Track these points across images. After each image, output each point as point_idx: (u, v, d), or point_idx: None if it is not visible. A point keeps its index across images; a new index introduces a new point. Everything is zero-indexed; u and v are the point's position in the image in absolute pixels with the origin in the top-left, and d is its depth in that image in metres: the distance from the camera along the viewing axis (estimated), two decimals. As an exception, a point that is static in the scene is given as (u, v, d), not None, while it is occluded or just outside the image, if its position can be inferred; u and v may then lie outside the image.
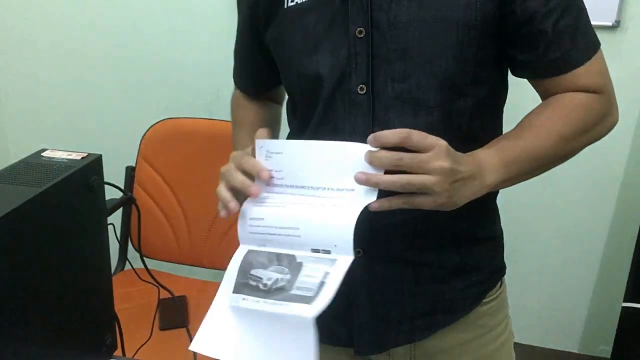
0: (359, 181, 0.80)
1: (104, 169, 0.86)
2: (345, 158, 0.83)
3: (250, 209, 0.89)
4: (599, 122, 0.94)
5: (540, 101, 0.97)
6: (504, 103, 1.02)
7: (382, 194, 0.81)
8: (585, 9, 0.91)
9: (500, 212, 1.09)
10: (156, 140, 2.06)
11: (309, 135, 0.97)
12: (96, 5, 2.32)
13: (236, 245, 0.91)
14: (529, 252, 2.36)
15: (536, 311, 2.44)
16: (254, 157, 0.90)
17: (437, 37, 0.87)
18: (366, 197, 0.81)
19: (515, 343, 1.15)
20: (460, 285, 1.02)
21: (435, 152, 0.78)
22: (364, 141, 0.81)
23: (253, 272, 0.86)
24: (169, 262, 2.11)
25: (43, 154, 0.84)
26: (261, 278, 0.85)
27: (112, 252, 0.93)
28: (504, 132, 0.98)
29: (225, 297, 0.87)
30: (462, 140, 0.87)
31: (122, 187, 2.03)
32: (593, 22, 0.92)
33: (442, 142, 0.79)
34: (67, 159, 0.82)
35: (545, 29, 0.87)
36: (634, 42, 1.99)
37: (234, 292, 0.86)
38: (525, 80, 0.97)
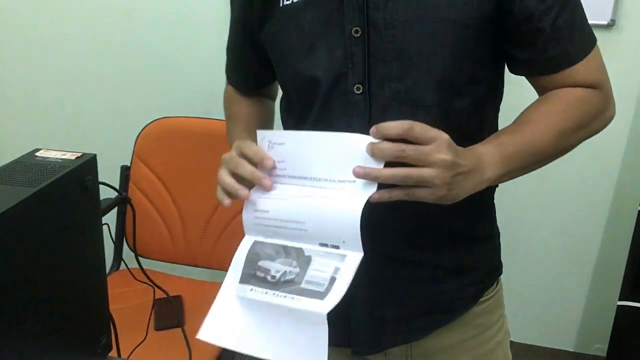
0: (358, 175, 0.80)
1: (99, 169, 0.86)
2: (347, 149, 0.82)
3: (255, 201, 0.88)
4: (597, 116, 0.94)
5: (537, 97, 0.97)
6: (501, 101, 1.02)
7: (383, 185, 0.81)
8: (581, 5, 0.91)
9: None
10: (151, 139, 2.05)
11: None
12: (90, 4, 2.31)
13: (232, 245, 0.91)
14: (525, 251, 2.36)
15: (532, 310, 2.44)
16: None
17: (435, 37, 0.86)
18: (367, 189, 0.81)
19: (510, 342, 1.15)
20: (458, 285, 1.02)
21: (437, 144, 0.78)
22: None
23: (260, 263, 0.86)
24: (165, 261, 2.10)
25: (37, 153, 0.83)
26: (269, 270, 0.85)
27: (107, 252, 0.93)
28: (500, 130, 0.98)
29: (232, 286, 0.87)
30: (459, 139, 0.86)
31: (117, 187, 2.04)
32: (588, 21, 0.93)
33: (445, 135, 0.79)
34: (61, 159, 0.81)
35: (544, 27, 0.87)
36: (629, 41, 1.99)
37: (241, 282, 0.86)
38: (522, 79, 0.97)
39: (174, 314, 1.77)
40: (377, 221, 0.93)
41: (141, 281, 1.16)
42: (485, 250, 1.06)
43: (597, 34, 0.94)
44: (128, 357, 1.14)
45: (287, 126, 1.07)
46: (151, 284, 1.17)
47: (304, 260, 0.83)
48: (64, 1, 2.33)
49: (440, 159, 0.78)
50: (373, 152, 0.79)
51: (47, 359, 0.79)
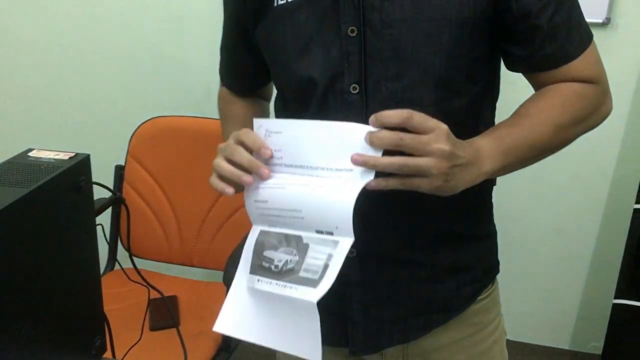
0: (356, 163, 0.80)
1: (93, 169, 0.85)
2: (344, 138, 0.83)
3: (254, 191, 0.88)
4: (594, 111, 0.94)
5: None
6: (497, 99, 1.02)
7: (380, 174, 0.81)
8: (577, 1, 0.91)
9: (491, 209, 1.08)
10: (146, 138, 2.05)
11: None
12: (84, 3, 2.30)
13: (227, 245, 0.91)
14: (520, 249, 2.36)
15: (527, 308, 2.44)
16: None
17: (431, 36, 0.86)
18: (364, 177, 0.81)
19: (506, 340, 1.15)
20: (455, 284, 1.01)
21: (436, 134, 0.78)
22: None
23: (265, 253, 0.87)
24: (159, 261, 2.10)
25: (30, 154, 0.82)
26: (272, 260, 0.86)
27: (101, 252, 0.92)
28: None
29: (243, 277, 0.89)
30: (456, 138, 0.87)
31: (112, 186, 2.04)
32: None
33: (443, 126, 0.79)
34: (54, 159, 0.81)
35: (541, 24, 0.87)
36: (624, 39, 2.00)
37: (250, 272, 0.87)
38: (518, 77, 0.97)
39: (169, 314, 1.77)
40: (374, 222, 0.93)
41: (135, 282, 1.16)
42: (483, 248, 1.06)
43: (593, 32, 0.93)
44: (123, 358, 1.13)
45: None
46: (145, 284, 1.16)
47: (302, 248, 0.84)
48: (57, 0, 2.32)
49: (438, 148, 0.77)
50: (371, 140, 0.79)
51: (40, 361, 0.78)
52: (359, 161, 0.79)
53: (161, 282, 1.91)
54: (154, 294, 1.23)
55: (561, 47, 0.89)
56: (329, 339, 1.04)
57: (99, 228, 0.93)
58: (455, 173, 0.80)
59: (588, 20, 0.92)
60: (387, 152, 0.79)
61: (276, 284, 0.83)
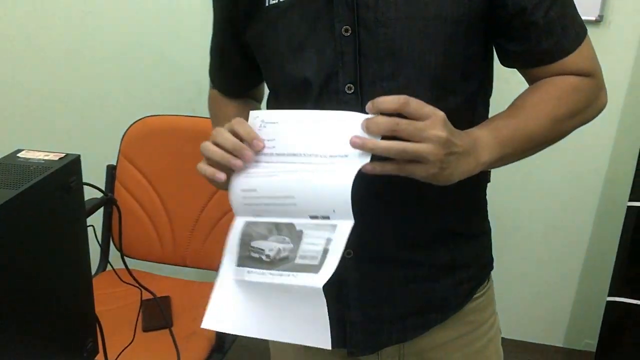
0: (355, 145, 0.79)
1: (84, 168, 0.84)
2: (339, 126, 0.82)
3: (240, 181, 0.86)
4: (590, 104, 0.94)
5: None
6: (490, 96, 1.02)
7: (376, 160, 0.80)
8: None
9: (485, 207, 1.08)
10: (137, 138, 2.04)
11: None
12: (75, 2, 2.29)
13: (219, 245, 0.89)
14: (514, 247, 2.37)
15: (521, 306, 2.45)
16: None
17: (426, 34, 0.86)
18: (360, 160, 0.80)
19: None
20: (451, 283, 1.01)
21: (433, 120, 0.78)
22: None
23: (254, 244, 0.84)
24: (152, 262, 2.08)
25: (19, 154, 0.82)
26: (263, 250, 0.83)
27: (93, 253, 0.91)
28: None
29: (229, 271, 0.86)
30: None
31: (103, 186, 2.02)
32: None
33: (440, 113, 0.79)
34: (44, 160, 0.80)
35: (537, 20, 0.87)
36: (617, 36, 2.01)
37: (237, 265, 0.85)
38: (510, 75, 0.97)
39: (161, 315, 1.76)
40: (370, 222, 0.93)
41: (127, 283, 1.15)
42: (479, 246, 1.06)
43: (586, 29, 0.94)
44: (115, 361, 1.12)
45: None
46: (137, 285, 1.16)
47: (296, 235, 0.82)
48: (51, 0, 2.30)
49: (434, 134, 0.77)
50: (368, 125, 0.79)
51: (31, 364, 0.78)
52: (358, 143, 0.79)
53: (154, 283, 1.89)
54: (147, 295, 1.22)
55: (557, 42, 0.89)
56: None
57: (90, 229, 0.92)
58: (451, 161, 0.80)
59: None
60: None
61: (270, 273, 0.81)
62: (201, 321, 0.86)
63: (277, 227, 0.84)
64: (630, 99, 2.08)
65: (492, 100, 1.01)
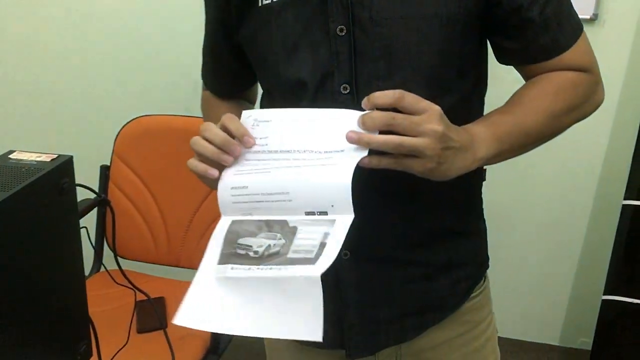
0: (351, 140, 0.79)
1: (77, 169, 0.83)
2: (335, 122, 0.81)
3: (230, 178, 0.84)
4: (587, 99, 0.94)
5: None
6: (485, 93, 1.02)
7: (373, 154, 0.80)
8: None
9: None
10: (131, 138, 2.03)
11: None
12: (68, 1, 2.27)
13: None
14: (509, 246, 2.37)
15: (516, 305, 2.45)
16: None
17: (422, 33, 0.85)
18: (357, 154, 0.79)
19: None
20: (449, 282, 1.01)
21: (429, 115, 0.78)
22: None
23: (241, 241, 0.82)
24: (147, 262, 2.07)
25: (10, 155, 0.80)
26: (250, 246, 0.81)
27: (88, 253, 0.90)
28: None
29: (209, 269, 0.82)
30: None
31: (97, 187, 2.01)
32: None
33: (436, 107, 0.79)
34: (36, 161, 0.79)
35: (533, 17, 0.87)
36: (611, 35, 2.01)
37: (219, 263, 0.81)
38: (505, 73, 0.97)
39: (156, 316, 1.75)
40: (367, 223, 0.92)
41: (121, 284, 1.14)
42: (475, 245, 1.06)
43: (580, 28, 0.93)
44: (109, 363, 1.12)
45: None
46: (131, 286, 1.15)
47: (289, 231, 0.80)
48: (39, 1, 2.29)
49: (430, 129, 0.77)
50: (364, 120, 0.79)
51: (24, 368, 0.77)
52: (354, 138, 0.78)
53: (148, 284, 1.88)
54: (141, 296, 1.22)
55: (553, 38, 0.89)
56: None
57: (83, 230, 0.91)
58: (448, 156, 0.80)
59: (575, 16, 0.92)
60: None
61: (257, 268, 0.78)
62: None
63: (268, 224, 0.82)
64: (624, 97, 2.08)
65: (486, 98, 1.01)
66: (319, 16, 0.88)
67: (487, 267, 1.10)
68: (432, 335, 1.03)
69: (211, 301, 0.81)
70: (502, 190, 2.25)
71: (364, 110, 0.80)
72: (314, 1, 0.88)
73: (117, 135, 2.02)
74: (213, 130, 0.85)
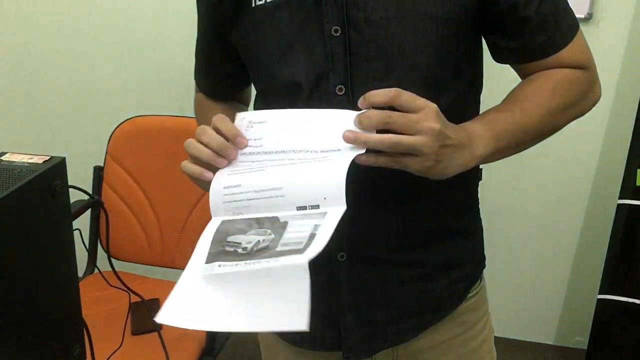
0: (347, 140, 0.78)
1: (70, 170, 0.83)
2: (331, 123, 0.81)
3: (223, 178, 0.83)
4: (584, 96, 0.94)
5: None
6: (481, 92, 1.01)
7: (369, 152, 0.79)
8: None
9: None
10: (125, 138, 2.02)
11: None
12: (59, 3, 2.26)
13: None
14: (504, 246, 2.37)
15: (512, 304, 2.45)
16: None
17: (417, 33, 0.85)
18: (353, 152, 0.78)
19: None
20: (446, 282, 1.01)
21: (425, 112, 0.77)
22: None
23: (230, 238, 0.80)
24: (141, 264, 2.07)
25: (2, 157, 0.80)
26: (239, 243, 0.79)
27: (81, 255, 0.89)
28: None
29: (195, 269, 0.79)
30: None
31: (91, 187, 2.00)
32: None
33: (432, 105, 0.78)
34: (28, 163, 0.78)
35: (529, 16, 0.87)
36: (605, 34, 2.01)
37: (207, 262, 0.79)
38: (499, 73, 0.96)
39: (151, 317, 1.74)
40: (362, 224, 0.92)
41: (114, 286, 1.13)
42: (472, 244, 1.06)
43: (575, 27, 0.93)
44: (104, 366, 1.11)
45: None
46: (125, 288, 1.14)
47: (279, 227, 0.79)
48: (30, 1, 2.28)
49: (427, 126, 0.76)
50: (360, 119, 0.78)
51: (16, 373, 0.76)
52: (350, 137, 0.78)
53: (142, 285, 1.87)
54: (135, 298, 1.21)
55: (550, 36, 0.89)
56: (321, 344, 1.03)
57: (76, 232, 0.90)
58: (446, 154, 0.79)
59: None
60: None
61: (245, 263, 0.75)
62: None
63: (258, 221, 0.81)
64: (619, 96, 2.09)
65: (482, 97, 1.01)
66: (314, 17, 0.87)
67: (484, 266, 1.09)
68: (429, 337, 1.03)
69: (195, 299, 0.78)
70: (498, 190, 2.26)
71: (360, 110, 0.80)
72: (309, 1, 0.87)
73: (111, 136, 2.01)
74: (210, 134, 0.84)
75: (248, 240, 0.79)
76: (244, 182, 0.82)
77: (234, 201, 0.82)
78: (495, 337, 1.14)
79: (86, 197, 1.04)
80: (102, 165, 2.03)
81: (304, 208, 0.79)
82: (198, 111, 1.17)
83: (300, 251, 0.73)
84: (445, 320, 1.03)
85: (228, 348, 1.87)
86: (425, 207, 0.95)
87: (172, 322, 0.77)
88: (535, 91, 0.91)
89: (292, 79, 0.90)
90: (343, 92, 0.88)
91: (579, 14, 1.96)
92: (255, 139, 0.84)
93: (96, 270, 1.98)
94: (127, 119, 2.01)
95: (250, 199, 0.81)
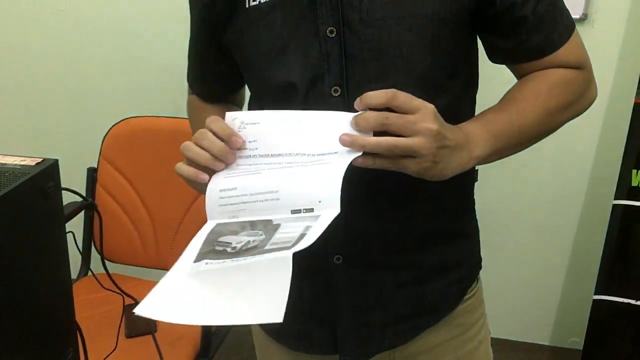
0: (344, 143, 0.78)
1: (63, 171, 0.82)
2: (327, 125, 0.80)
3: (220, 181, 0.83)
4: (580, 96, 0.94)
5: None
6: (476, 92, 1.01)
7: (367, 154, 0.79)
8: None
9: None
10: (119, 139, 2.01)
11: None
12: (53, 2, 2.25)
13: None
14: (499, 247, 2.37)
15: (507, 304, 2.45)
16: None
17: (413, 34, 0.84)
18: (350, 155, 0.78)
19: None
20: (442, 285, 1.00)
21: (423, 113, 0.77)
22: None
23: (221, 239, 0.80)
24: (135, 266, 2.06)
25: (-6, 159, 0.79)
26: (229, 243, 0.79)
27: (75, 257, 0.88)
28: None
29: (182, 267, 0.78)
30: None
31: (84, 189, 1.99)
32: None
33: (430, 105, 0.78)
34: (20, 165, 0.77)
35: (526, 15, 0.87)
36: (600, 34, 2.01)
37: (195, 261, 0.78)
38: (495, 74, 0.96)
39: (145, 320, 1.73)
40: (359, 228, 0.92)
41: (108, 289, 1.12)
42: (469, 246, 1.06)
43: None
44: (97, 369, 1.10)
45: None
46: (119, 291, 1.13)
47: (271, 229, 0.78)
48: (26, 2, 2.26)
49: (425, 127, 0.76)
50: (357, 121, 0.78)
51: (8, 378, 0.75)
52: (347, 141, 0.77)
53: (137, 287, 1.86)
54: (130, 300, 1.20)
55: (547, 36, 0.89)
56: (317, 347, 1.02)
57: (69, 235, 0.90)
58: (444, 155, 0.79)
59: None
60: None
61: (231, 261, 0.75)
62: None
63: (252, 224, 0.80)
64: (614, 96, 2.09)
65: (477, 98, 1.00)
66: (308, 17, 0.86)
67: (480, 268, 1.09)
68: (425, 339, 1.02)
69: (177, 294, 0.77)
70: (493, 191, 2.25)
71: (355, 112, 0.79)
72: (303, 2, 0.86)
73: (105, 137, 2.00)
74: (210, 139, 0.83)
75: (238, 240, 0.79)
76: (240, 185, 0.82)
77: (230, 204, 0.82)
78: (490, 337, 1.14)
79: (79, 199, 1.03)
80: (95, 166, 2.02)
81: (298, 211, 0.79)
82: (191, 114, 1.16)
83: (287, 248, 0.73)
84: (442, 323, 1.02)
85: (223, 350, 1.86)
86: (421, 209, 0.94)
87: (151, 314, 0.76)
88: (532, 92, 0.91)
89: (287, 80, 0.89)
90: (339, 93, 0.87)
91: (574, 15, 1.93)
92: (250, 141, 0.84)
93: (90, 273, 1.98)
94: (121, 120, 2.01)
95: (246, 202, 0.81)
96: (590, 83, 0.95)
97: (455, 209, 1.00)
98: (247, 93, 1.06)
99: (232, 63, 0.99)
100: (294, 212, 0.79)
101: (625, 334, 2.08)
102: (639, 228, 1.99)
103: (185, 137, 0.87)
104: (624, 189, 1.98)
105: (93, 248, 2.05)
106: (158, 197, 2.00)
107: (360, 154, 0.78)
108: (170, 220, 2.00)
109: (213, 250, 0.79)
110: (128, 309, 1.53)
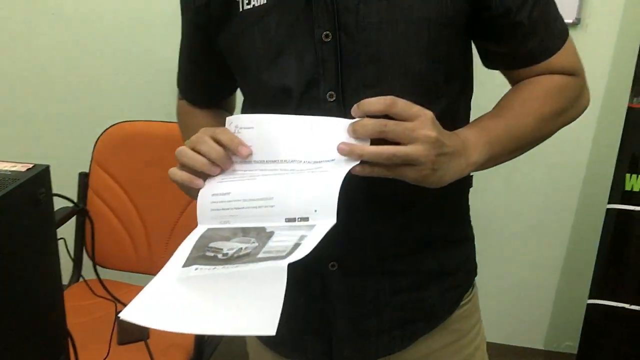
0: (342, 152, 0.77)
1: (55, 176, 0.81)
2: (324, 131, 0.79)
3: (213, 185, 0.82)
4: (574, 102, 0.94)
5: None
6: (471, 97, 1.00)
7: (365, 162, 0.78)
8: None
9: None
10: (111, 144, 2.00)
11: None
12: (42, 5, 2.24)
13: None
14: (493, 251, 2.37)
15: (501, 309, 2.45)
16: None
17: (409, 38, 0.83)
18: (348, 163, 0.77)
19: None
20: (438, 291, 1.00)
21: (421, 120, 0.76)
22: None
23: (212, 244, 0.78)
24: (127, 271, 2.04)
25: (-16, 165, 0.78)
26: (221, 249, 0.77)
27: (67, 263, 0.87)
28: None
29: (171, 272, 0.77)
30: None
31: (76, 193, 1.98)
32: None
33: (428, 112, 0.77)
34: (10, 171, 0.77)
35: (521, 21, 0.86)
36: (594, 39, 2.02)
37: (184, 266, 0.77)
38: (489, 78, 0.96)
39: (138, 326, 1.71)
40: (354, 235, 0.91)
41: (100, 296, 1.11)
42: (465, 252, 1.05)
43: (563, 32, 0.93)
44: (89, 377, 1.09)
45: None
46: (110, 297, 1.12)
47: (264, 236, 0.77)
48: (16, 2, 2.25)
49: (424, 134, 0.75)
50: (355, 128, 0.77)
51: (-2, 387, 0.74)
52: (346, 150, 0.77)
53: (129, 293, 1.84)
54: (122, 306, 1.19)
55: (541, 42, 0.89)
56: (313, 354, 1.01)
57: (61, 241, 0.89)
58: (442, 162, 0.78)
59: (558, 20, 0.92)
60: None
61: (222, 267, 0.74)
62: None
63: (244, 230, 0.79)
64: (607, 100, 2.09)
65: (472, 102, 1.00)
66: (304, 21, 0.85)
67: (476, 274, 1.09)
68: (422, 345, 1.02)
69: (165, 300, 0.76)
70: (487, 195, 2.26)
71: (350, 118, 0.78)
72: (299, 6, 0.85)
73: (97, 142, 1.99)
74: (209, 143, 0.82)
75: (230, 246, 0.77)
76: (233, 190, 0.80)
77: (222, 209, 0.81)
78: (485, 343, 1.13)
79: (70, 205, 1.03)
80: (87, 171, 2.01)
81: (293, 220, 0.78)
82: (181, 119, 1.14)
83: (281, 258, 0.72)
84: (438, 329, 1.02)
85: (216, 357, 1.85)
86: (417, 216, 0.94)
87: (136, 319, 0.74)
88: (527, 98, 0.91)
89: (281, 85, 0.88)
90: (334, 98, 0.86)
91: (567, 19, 1.94)
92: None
93: (81, 279, 1.97)
94: (113, 125, 1.99)
95: (239, 208, 0.80)
96: (583, 89, 0.96)
97: (451, 215, 0.99)
98: (239, 99, 1.05)
99: (223, 68, 0.97)
100: (288, 220, 0.78)
101: (619, 339, 2.08)
102: (632, 232, 2.00)
103: (177, 142, 0.86)
104: (618, 193, 1.98)
105: (85, 254, 2.04)
106: (150, 202, 1.99)
107: (357, 163, 0.77)
108: (162, 225, 1.99)
109: (203, 255, 0.77)
110: (120, 316, 1.52)
